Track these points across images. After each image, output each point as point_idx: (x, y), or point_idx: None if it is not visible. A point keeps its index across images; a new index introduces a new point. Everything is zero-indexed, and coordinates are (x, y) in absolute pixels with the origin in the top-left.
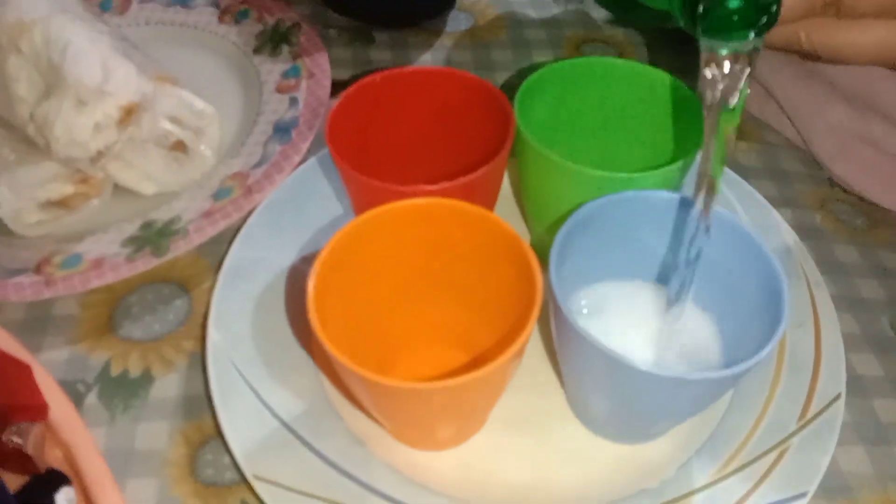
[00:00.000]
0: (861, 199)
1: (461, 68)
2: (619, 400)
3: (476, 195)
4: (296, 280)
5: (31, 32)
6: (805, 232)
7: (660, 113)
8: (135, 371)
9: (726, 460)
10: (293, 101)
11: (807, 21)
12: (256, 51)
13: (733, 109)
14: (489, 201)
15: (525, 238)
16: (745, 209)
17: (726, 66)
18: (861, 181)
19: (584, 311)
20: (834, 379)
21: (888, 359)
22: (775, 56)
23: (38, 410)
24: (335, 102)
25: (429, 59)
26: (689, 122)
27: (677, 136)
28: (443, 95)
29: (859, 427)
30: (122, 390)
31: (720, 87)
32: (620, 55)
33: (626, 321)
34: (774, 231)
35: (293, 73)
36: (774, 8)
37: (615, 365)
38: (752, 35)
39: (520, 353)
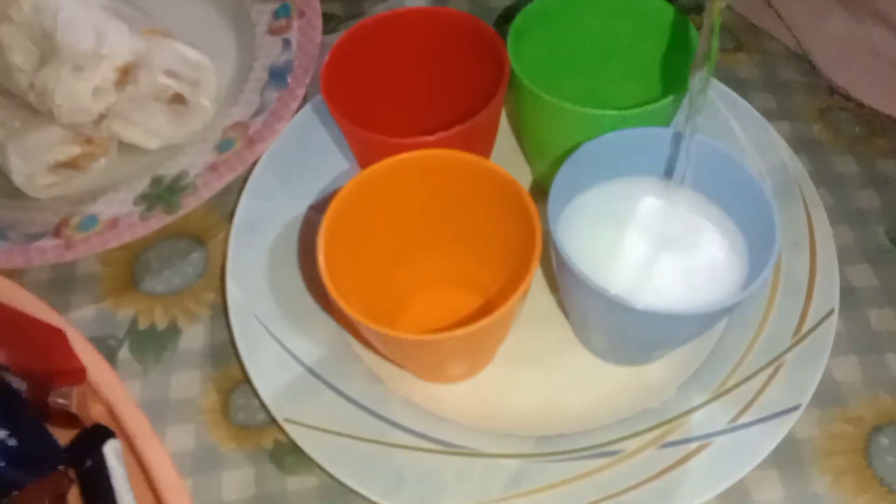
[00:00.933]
0: (860, 106)
1: None
2: (620, 334)
3: (474, 140)
4: (306, 230)
5: (21, 1)
6: (803, 144)
7: (656, 44)
8: (161, 324)
9: (723, 379)
10: (286, 44)
11: None
12: None
13: None
14: (488, 142)
15: (526, 174)
16: (741, 126)
17: None
18: (861, 89)
19: (587, 215)
20: (827, 295)
21: (883, 269)
22: None
23: (77, 374)
24: (327, 54)
25: None
26: (684, 53)
27: (673, 68)
28: (435, 36)
29: (853, 338)
30: (151, 343)
31: None
32: None
33: (630, 223)
34: (771, 149)
35: (283, 12)
36: None
37: (614, 306)
38: None
39: (523, 298)
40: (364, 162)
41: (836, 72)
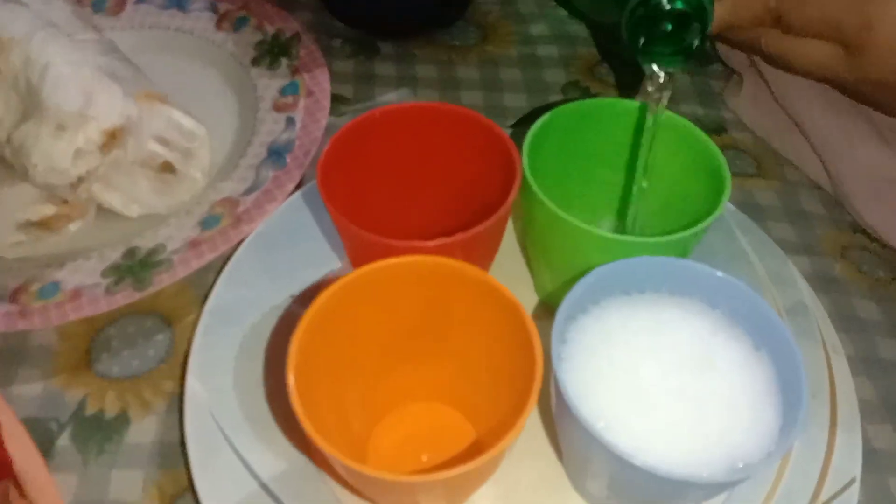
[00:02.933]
0: (884, 246)
1: (468, 85)
2: (621, 488)
3: (476, 248)
4: (284, 324)
5: (10, 52)
6: (822, 283)
7: (677, 160)
8: (110, 412)
9: None
10: (290, 122)
11: (766, 29)
12: (254, 62)
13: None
14: (490, 251)
15: (528, 287)
16: (759, 258)
17: (661, 79)
18: (890, 229)
19: (594, 336)
20: (849, 459)
21: None
22: (808, 84)
23: (2, 467)
24: (328, 143)
25: (434, 76)
26: (707, 174)
27: (694, 188)
28: (444, 134)
29: None
30: (96, 433)
31: (657, 96)
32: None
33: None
34: (791, 285)
35: (291, 89)
36: (694, 48)
37: (617, 461)
38: (678, 64)
39: (515, 438)
40: (355, 259)
41: (864, 208)
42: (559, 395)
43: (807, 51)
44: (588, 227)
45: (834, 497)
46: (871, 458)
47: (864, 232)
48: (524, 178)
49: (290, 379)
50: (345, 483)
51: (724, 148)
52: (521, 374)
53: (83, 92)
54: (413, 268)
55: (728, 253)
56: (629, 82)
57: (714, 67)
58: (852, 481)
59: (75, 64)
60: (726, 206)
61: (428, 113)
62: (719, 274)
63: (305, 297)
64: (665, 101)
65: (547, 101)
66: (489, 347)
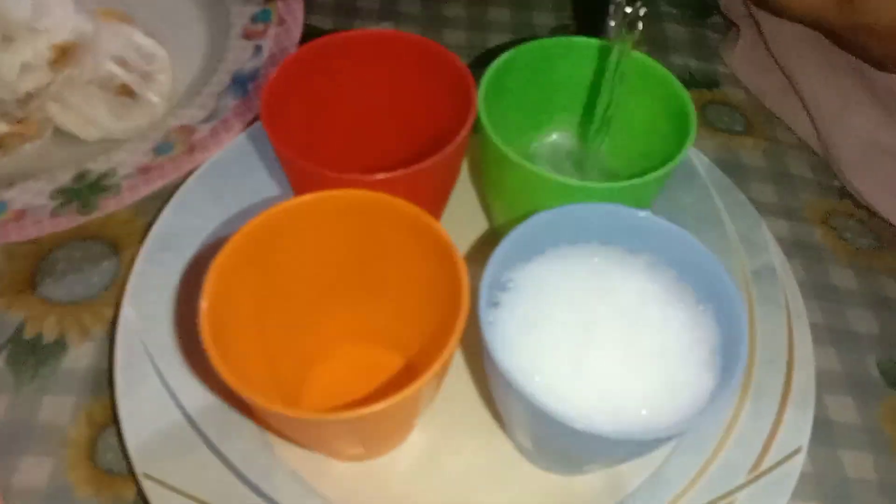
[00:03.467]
0: (871, 215)
1: (453, 24)
2: (548, 443)
3: (424, 184)
4: None
5: None
6: (800, 248)
7: (644, 105)
8: (49, 336)
9: None
10: (257, 50)
11: None
12: None
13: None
14: (443, 187)
15: (482, 220)
16: (732, 219)
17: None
18: (878, 196)
19: (527, 291)
20: (797, 429)
21: (867, 405)
22: (806, 40)
23: None
24: (273, 71)
25: (418, 13)
26: (670, 116)
27: (663, 135)
28: (401, 65)
29: (820, 481)
30: (32, 356)
31: (623, 31)
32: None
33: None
34: (761, 248)
35: (263, 17)
36: None
37: (538, 414)
38: None
39: (437, 378)
40: (298, 191)
41: (854, 173)
42: (483, 343)
43: None
44: (538, 170)
45: (776, 465)
46: (827, 429)
47: (851, 198)
48: (478, 116)
49: (203, 304)
50: (262, 421)
51: (714, 103)
52: (452, 318)
53: (32, 2)
54: (345, 201)
55: (699, 212)
56: None
57: (714, 19)
58: (797, 451)
59: None
60: (705, 165)
61: (384, 42)
62: (671, 226)
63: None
64: (632, 39)
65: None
66: (423, 287)
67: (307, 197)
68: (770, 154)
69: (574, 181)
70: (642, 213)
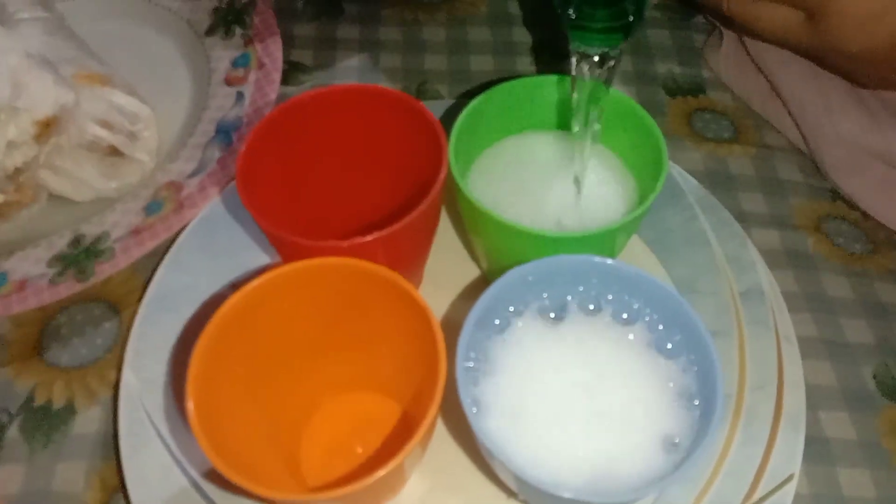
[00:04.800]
0: (865, 217)
1: (433, 48)
2: (528, 496)
3: (403, 242)
4: None
5: None
6: (792, 258)
7: (619, 140)
8: (58, 402)
9: None
10: (239, 97)
11: None
12: (209, 32)
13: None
14: (423, 241)
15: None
16: (718, 239)
17: (593, 61)
18: (869, 198)
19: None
20: (789, 456)
21: (864, 419)
22: (784, 49)
23: None
24: (243, 144)
25: (399, 38)
26: (645, 154)
27: (635, 167)
28: (372, 118)
29: (818, 501)
30: (44, 423)
31: (588, 75)
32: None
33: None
34: (748, 268)
35: (243, 61)
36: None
37: (515, 478)
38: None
39: (421, 446)
40: (281, 253)
41: (843, 176)
42: (462, 407)
43: (769, 15)
44: (507, 221)
45: (769, 495)
46: (822, 447)
47: (844, 200)
48: (449, 170)
49: (190, 406)
50: None
51: (700, 111)
52: (430, 378)
53: (11, 83)
54: (325, 269)
55: (686, 233)
56: None
57: (697, 20)
58: (789, 478)
59: (1, 53)
60: (689, 183)
61: (357, 96)
62: (643, 274)
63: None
64: (605, 83)
65: (514, 66)
66: (406, 345)
67: (287, 268)
68: (758, 160)
69: (549, 232)
70: (618, 265)
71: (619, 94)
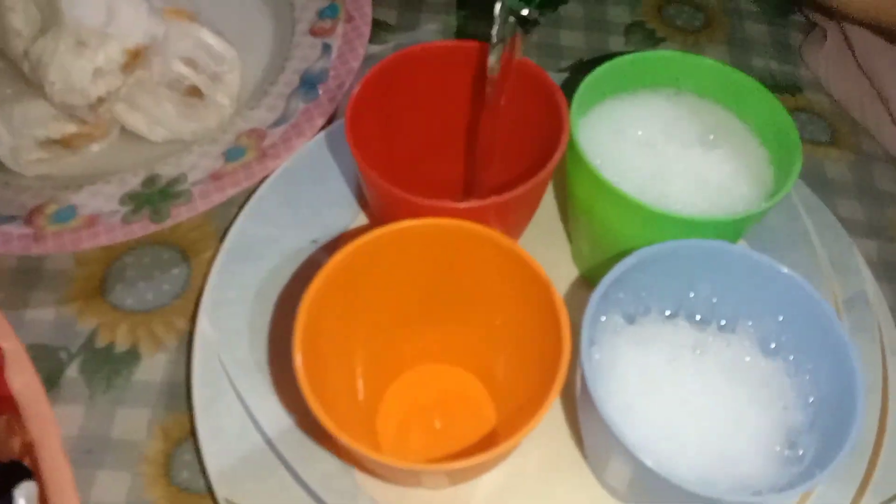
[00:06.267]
0: None
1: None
2: (641, 493)
3: (513, 211)
4: (304, 269)
5: None
6: (889, 270)
7: (741, 129)
8: (122, 345)
9: None
10: (326, 49)
11: None
12: None
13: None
14: (528, 213)
15: (564, 256)
16: (822, 242)
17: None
18: None
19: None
20: (892, 471)
21: None
22: (893, 47)
23: (3, 401)
24: (357, 86)
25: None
26: (777, 142)
27: (766, 159)
28: (480, 75)
29: None
30: (105, 366)
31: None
32: (708, 23)
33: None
34: (853, 273)
35: (330, 12)
36: None
37: (642, 468)
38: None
39: (529, 431)
40: (379, 210)
41: None
42: (584, 388)
43: None
44: (633, 198)
45: None
46: None
47: None
48: (571, 137)
49: (298, 359)
50: (343, 453)
51: (797, 110)
52: (546, 354)
53: (106, 7)
54: (437, 231)
55: (789, 233)
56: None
57: (795, 17)
58: (893, 499)
59: None
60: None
61: (470, 52)
62: (780, 269)
63: (329, 246)
64: (512, 54)
65: (606, 44)
66: (515, 320)
67: (396, 227)
68: (856, 167)
69: (670, 212)
70: (750, 254)
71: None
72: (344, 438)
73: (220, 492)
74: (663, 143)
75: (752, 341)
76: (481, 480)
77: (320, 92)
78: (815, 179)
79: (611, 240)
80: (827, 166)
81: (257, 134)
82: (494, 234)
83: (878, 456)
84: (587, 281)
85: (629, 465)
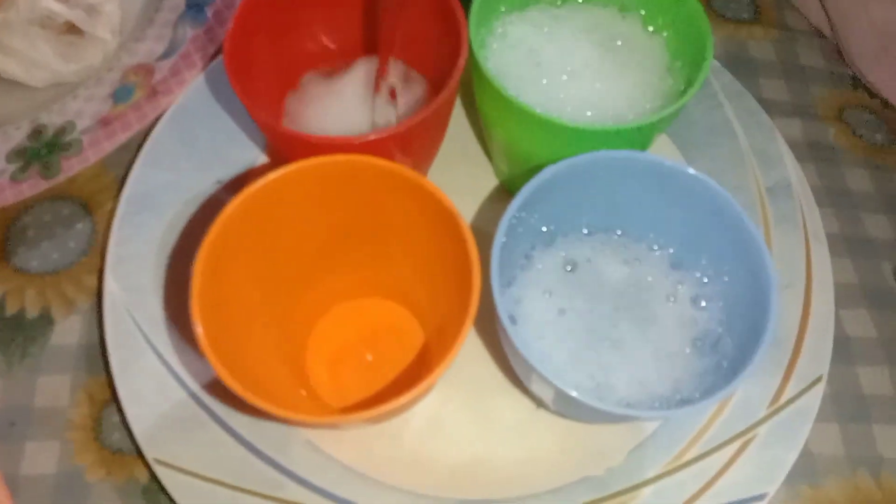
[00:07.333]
0: (886, 106)
1: None
2: (563, 405)
3: (417, 137)
4: (211, 211)
5: None
6: (814, 150)
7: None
8: (32, 311)
9: (681, 450)
10: None
11: None
12: None
13: None
14: (437, 136)
15: (484, 169)
16: (745, 130)
17: None
18: (893, 88)
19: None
20: (817, 358)
21: (883, 316)
22: None
23: None
24: (234, 15)
25: None
26: (687, 48)
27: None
28: None
29: (837, 400)
30: (19, 334)
31: None
32: None
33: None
34: (777, 161)
35: None
36: None
37: (555, 389)
38: None
39: (442, 373)
40: (275, 150)
41: (868, 64)
42: (500, 323)
43: None
44: (535, 111)
45: (797, 397)
46: (842, 346)
47: (865, 88)
48: (472, 54)
49: (199, 330)
50: None
51: None
52: (461, 283)
53: None
54: (341, 167)
55: (709, 123)
56: None
57: None
58: (818, 380)
59: None
60: (714, 67)
61: None
62: (688, 171)
63: (235, 184)
64: None
65: None
66: (428, 251)
67: (296, 165)
68: (780, 44)
69: (574, 124)
70: (662, 162)
71: None
72: (257, 402)
73: (149, 453)
74: (568, 54)
75: (665, 251)
76: (413, 412)
77: (209, 14)
78: (739, 60)
79: (522, 155)
80: (751, 46)
81: (145, 69)
82: (398, 168)
83: (803, 342)
84: (509, 192)
85: (549, 389)
